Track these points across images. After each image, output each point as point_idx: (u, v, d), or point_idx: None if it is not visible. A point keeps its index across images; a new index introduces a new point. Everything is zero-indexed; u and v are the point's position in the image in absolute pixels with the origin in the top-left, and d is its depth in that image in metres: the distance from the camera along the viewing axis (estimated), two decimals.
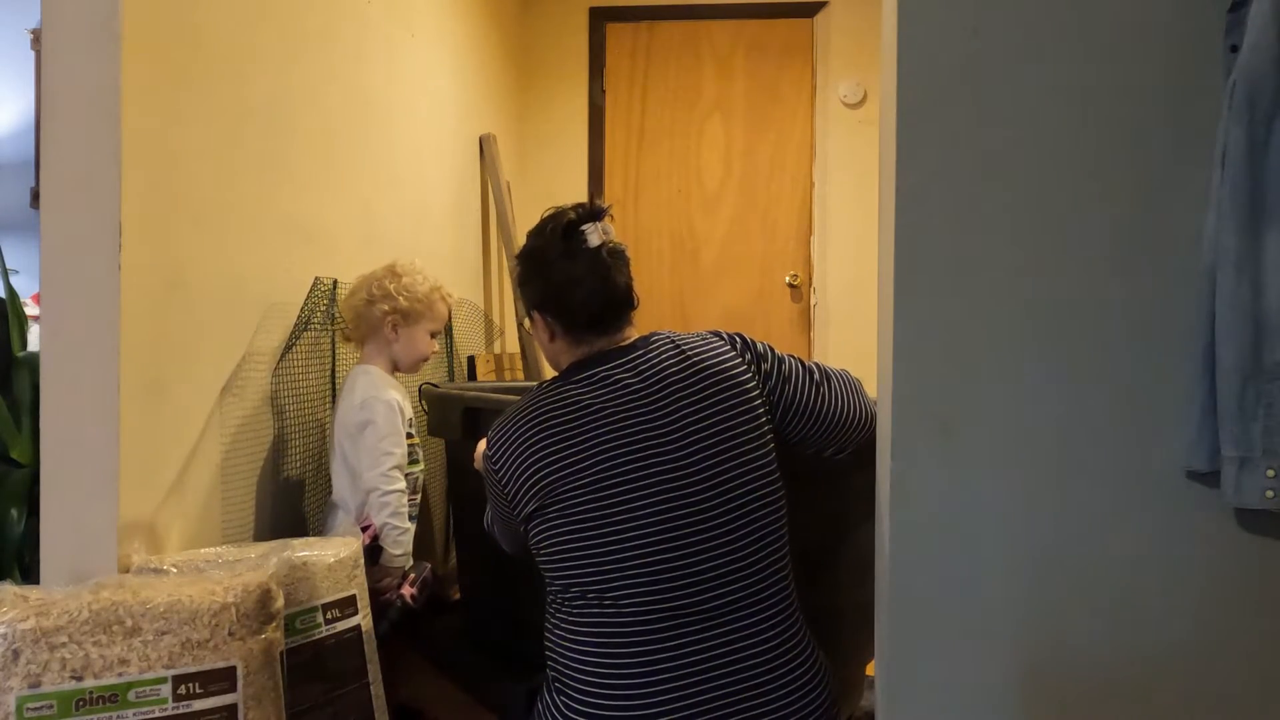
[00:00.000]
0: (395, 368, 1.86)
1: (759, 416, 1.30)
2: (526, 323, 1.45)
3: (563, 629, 1.25)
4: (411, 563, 1.74)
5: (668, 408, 1.26)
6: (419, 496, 1.88)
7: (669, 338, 1.36)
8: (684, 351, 1.33)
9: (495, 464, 1.30)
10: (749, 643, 1.21)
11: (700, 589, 1.20)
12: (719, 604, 1.20)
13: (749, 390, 1.31)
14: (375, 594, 1.61)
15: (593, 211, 1.35)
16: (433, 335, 1.89)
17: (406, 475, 1.80)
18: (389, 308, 1.80)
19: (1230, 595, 1.06)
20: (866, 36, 3.86)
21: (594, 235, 1.33)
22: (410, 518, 1.83)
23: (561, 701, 1.21)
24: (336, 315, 1.94)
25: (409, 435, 1.82)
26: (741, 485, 1.24)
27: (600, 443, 1.23)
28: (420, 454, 1.89)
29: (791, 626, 1.25)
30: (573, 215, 1.34)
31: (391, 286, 1.81)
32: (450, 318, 1.95)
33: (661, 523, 1.20)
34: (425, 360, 1.89)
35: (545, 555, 1.25)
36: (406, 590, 1.63)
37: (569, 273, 1.33)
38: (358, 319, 1.84)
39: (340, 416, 1.77)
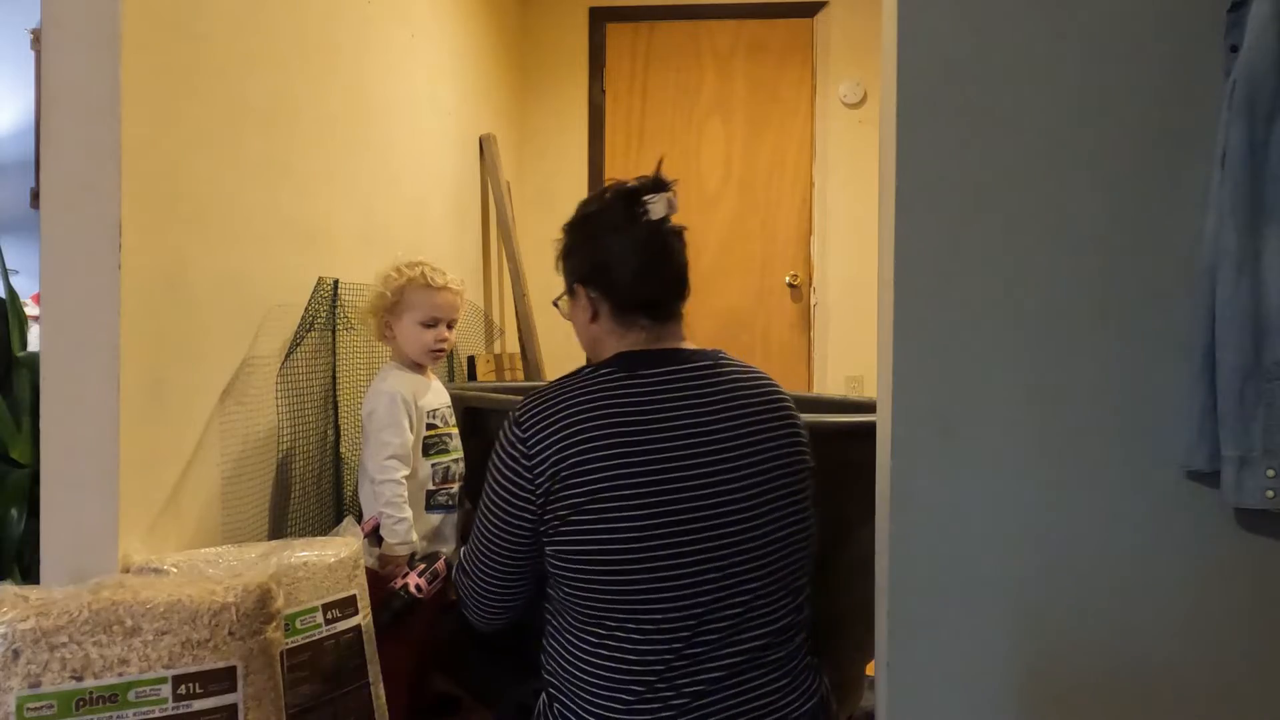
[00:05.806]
0: (414, 362, 1.85)
1: (807, 471, 1.25)
2: (563, 302, 1.33)
3: (571, 654, 1.17)
4: (422, 552, 1.72)
5: (738, 436, 1.17)
6: (455, 485, 1.87)
7: (739, 363, 1.26)
8: (759, 382, 1.24)
9: (526, 433, 1.15)
10: (759, 685, 1.17)
11: (723, 628, 1.15)
12: (741, 649, 1.15)
13: (804, 445, 1.26)
14: (381, 580, 1.60)
15: (657, 183, 1.23)
16: (428, 325, 1.80)
17: (435, 465, 1.80)
18: (373, 308, 1.83)
19: (1230, 595, 1.06)
20: (866, 36, 3.86)
21: (658, 206, 1.21)
22: (446, 507, 1.83)
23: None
24: (340, 316, 1.94)
25: (432, 426, 1.82)
26: (787, 541, 1.20)
27: (662, 453, 1.13)
28: (453, 444, 1.87)
29: (801, 669, 1.22)
30: (635, 184, 1.23)
31: (377, 289, 1.82)
32: (449, 303, 1.86)
33: (700, 553, 1.13)
34: (434, 351, 1.82)
35: (567, 564, 1.15)
36: (413, 580, 1.58)
37: (626, 244, 1.21)
38: (372, 323, 1.86)
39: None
